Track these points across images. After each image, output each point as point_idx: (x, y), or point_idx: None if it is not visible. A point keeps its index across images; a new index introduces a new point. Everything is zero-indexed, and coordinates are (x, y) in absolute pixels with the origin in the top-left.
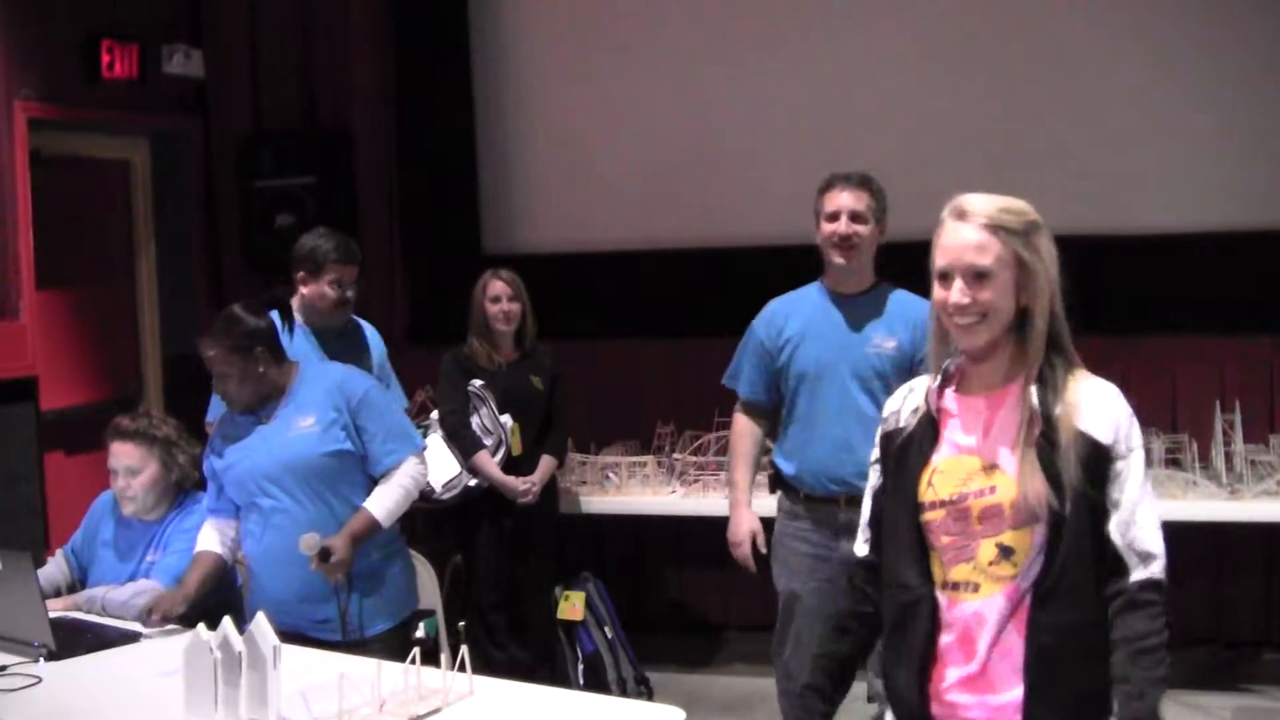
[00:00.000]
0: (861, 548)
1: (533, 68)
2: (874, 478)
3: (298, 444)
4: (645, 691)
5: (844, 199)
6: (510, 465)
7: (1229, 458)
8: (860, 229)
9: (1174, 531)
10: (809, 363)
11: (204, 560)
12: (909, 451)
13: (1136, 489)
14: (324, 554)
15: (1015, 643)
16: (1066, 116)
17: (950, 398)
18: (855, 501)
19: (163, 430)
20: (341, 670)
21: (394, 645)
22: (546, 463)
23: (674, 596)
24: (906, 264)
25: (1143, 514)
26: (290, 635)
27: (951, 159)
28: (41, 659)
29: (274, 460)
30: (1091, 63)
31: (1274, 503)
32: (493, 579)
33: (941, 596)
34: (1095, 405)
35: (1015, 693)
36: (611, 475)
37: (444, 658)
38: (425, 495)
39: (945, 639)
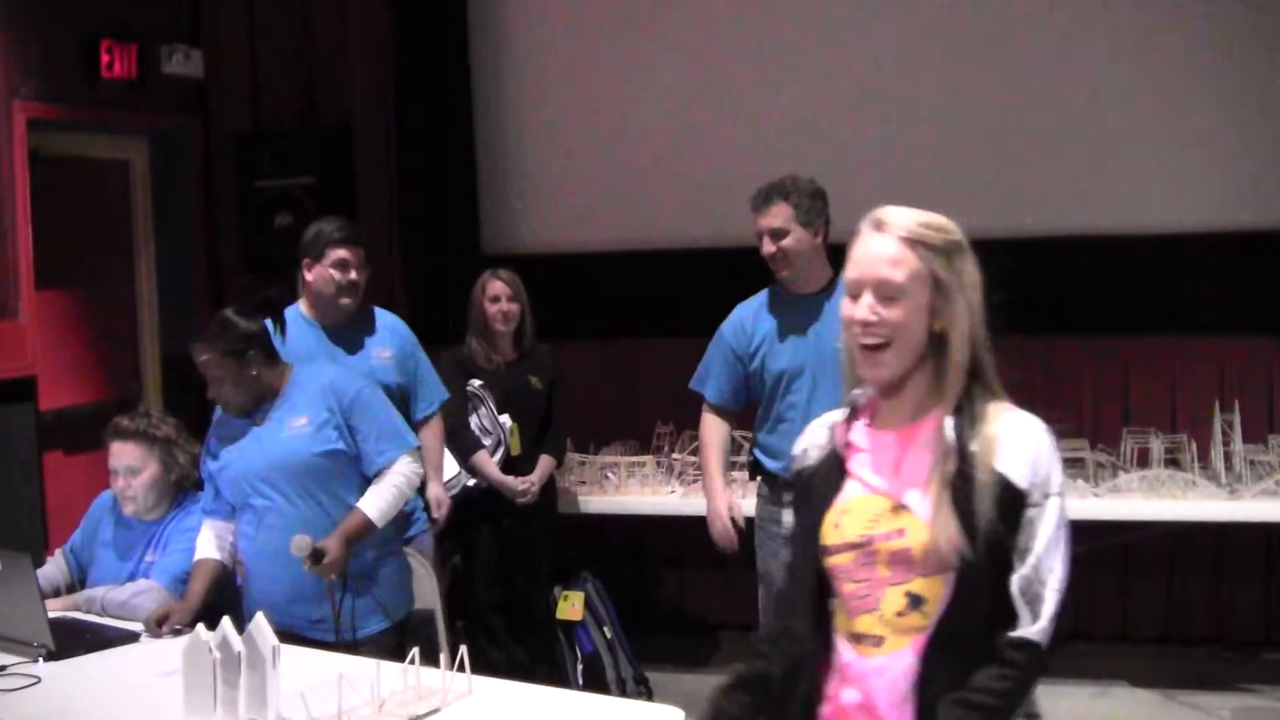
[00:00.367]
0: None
1: (533, 68)
2: (790, 520)
3: (290, 444)
4: (644, 691)
5: (762, 222)
6: (509, 465)
7: (1228, 458)
8: (785, 243)
9: (1174, 531)
10: (786, 361)
11: (205, 568)
12: (813, 490)
13: (1045, 541)
14: (316, 555)
15: None
16: (1066, 116)
17: (860, 431)
18: None
19: (163, 430)
20: (341, 670)
21: (389, 646)
22: (545, 463)
23: (673, 596)
24: None
25: (1047, 569)
26: (286, 635)
27: (949, 159)
28: (41, 659)
29: (267, 460)
30: (1091, 62)
31: (1273, 503)
32: (491, 579)
33: (845, 650)
34: (1016, 443)
35: None
36: (610, 475)
37: (443, 658)
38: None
39: (848, 697)
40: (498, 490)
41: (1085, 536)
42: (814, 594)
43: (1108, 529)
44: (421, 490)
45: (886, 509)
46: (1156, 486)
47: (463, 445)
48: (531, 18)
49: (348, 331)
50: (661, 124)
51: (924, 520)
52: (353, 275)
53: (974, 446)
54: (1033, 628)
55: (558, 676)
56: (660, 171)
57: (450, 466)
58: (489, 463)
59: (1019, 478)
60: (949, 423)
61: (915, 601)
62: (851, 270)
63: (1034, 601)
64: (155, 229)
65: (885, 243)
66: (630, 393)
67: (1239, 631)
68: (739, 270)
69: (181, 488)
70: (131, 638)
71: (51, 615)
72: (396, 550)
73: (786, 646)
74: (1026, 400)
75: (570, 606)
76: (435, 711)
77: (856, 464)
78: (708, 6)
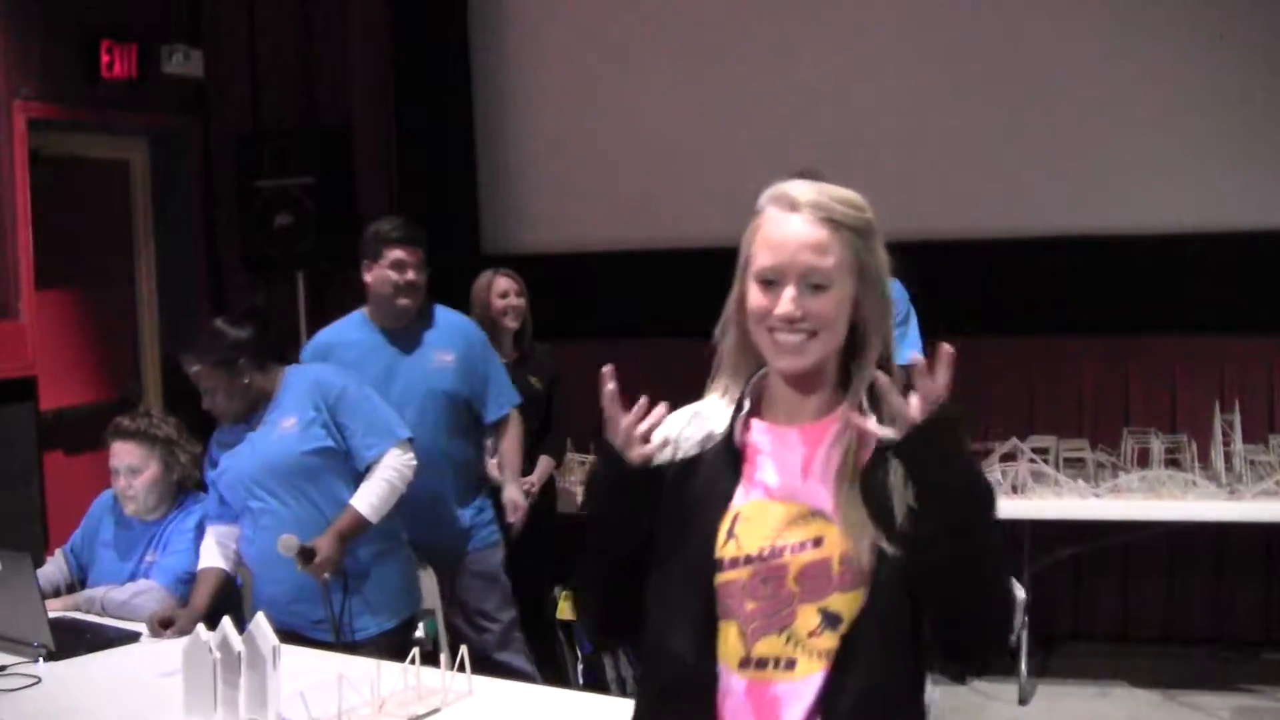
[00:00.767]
0: None
1: (533, 68)
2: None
3: (279, 445)
4: None
5: None
6: None
7: (1228, 458)
8: None
9: (1174, 531)
10: None
11: (209, 576)
12: (695, 493)
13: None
14: (306, 554)
15: None
16: (1066, 116)
17: (758, 428)
18: None
19: (164, 430)
20: (341, 670)
21: (390, 646)
22: (545, 463)
23: None
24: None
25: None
26: (288, 635)
27: (949, 160)
28: (41, 659)
29: (258, 463)
30: (1091, 63)
31: (1273, 503)
32: None
33: (738, 678)
34: None
35: None
36: None
37: (443, 658)
38: None
39: None
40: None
41: (1085, 536)
42: (700, 615)
43: (1108, 529)
44: (496, 496)
45: (796, 516)
46: (1156, 486)
47: None
48: (531, 17)
49: (407, 333)
50: (662, 124)
51: (841, 527)
52: (410, 276)
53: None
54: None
55: (558, 676)
56: (660, 171)
57: None
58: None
59: None
60: (871, 419)
61: (831, 620)
62: (766, 256)
63: None
64: (155, 229)
65: (805, 225)
66: (630, 393)
67: (1239, 631)
68: None
69: (182, 488)
70: (131, 638)
71: (51, 615)
72: (399, 549)
73: (663, 668)
74: (1026, 400)
75: (570, 606)
76: (435, 711)
77: (757, 465)
78: (708, 6)
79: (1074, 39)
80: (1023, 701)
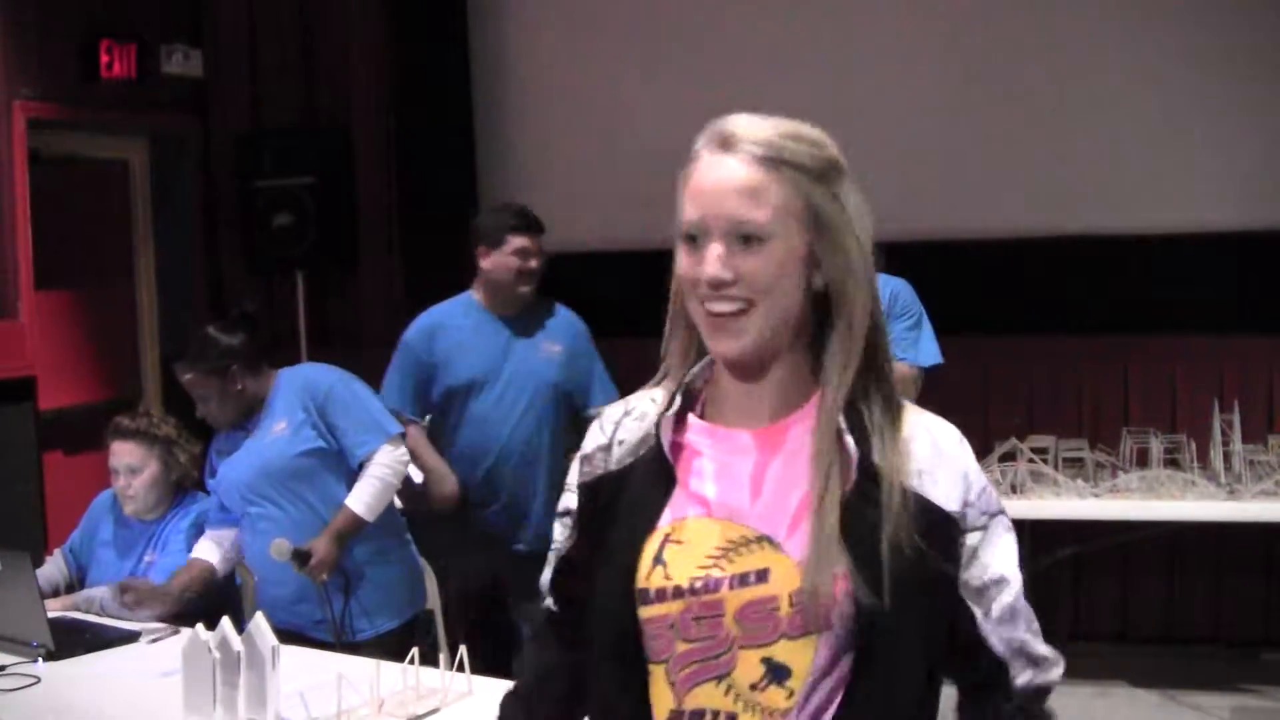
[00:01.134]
0: (549, 604)
1: (533, 67)
2: (560, 534)
3: (271, 449)
4: None
5: None
6: None
7: (1228, 458)
8: None
9: (1174, 531)
10: None
11: (193, 566)
12: (620, 507)
13: (1012, 565)
14: (301, 557)
15: None
16: (1066, 116)
17: (697, 428)
18: None
19: (163, 429)
20: (340, 670)
21: (392, 647)
22: None
23: None
24: (903, 264)
25: (1024, 602)
26: (290, 635)
27: (948, 161)
28: (40, 659)
29: (252, 468)
30: (1091, 62)
31: (1273, 503)
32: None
33: None
34: (935, 454)
35: None
36: None
37: (443, 658)
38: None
39: None
40: None
41: (1085, 536)
42: (626, 656)
43: (1108, 529)
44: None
45: (739, 540)
46: (1156, 486)
47: None
48: (531, 18)
49: (520, 320)
50: (662, 124)
51: (796, 559)
52: (533, 264)
53: (876, 458)
54: (1052, 671)
55: None
56: (660, 171)
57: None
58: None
59: (945, 499)
60: (841, 421)
61: (777, 673)
62: (691, 209)
63: (1028, 647)
64: (155, 229)
65: (736, 165)
66: (629, 392)
67: (1239, 631)
68: None
69: (182, 487)
70: (131, 638)
71: (51, 615)
72: (399, 549)
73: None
74: (1026, 400)
75: None
76: (435, 711)
77: (692, 473)
78: (709, 6)
79: (1073, 38)
80: None
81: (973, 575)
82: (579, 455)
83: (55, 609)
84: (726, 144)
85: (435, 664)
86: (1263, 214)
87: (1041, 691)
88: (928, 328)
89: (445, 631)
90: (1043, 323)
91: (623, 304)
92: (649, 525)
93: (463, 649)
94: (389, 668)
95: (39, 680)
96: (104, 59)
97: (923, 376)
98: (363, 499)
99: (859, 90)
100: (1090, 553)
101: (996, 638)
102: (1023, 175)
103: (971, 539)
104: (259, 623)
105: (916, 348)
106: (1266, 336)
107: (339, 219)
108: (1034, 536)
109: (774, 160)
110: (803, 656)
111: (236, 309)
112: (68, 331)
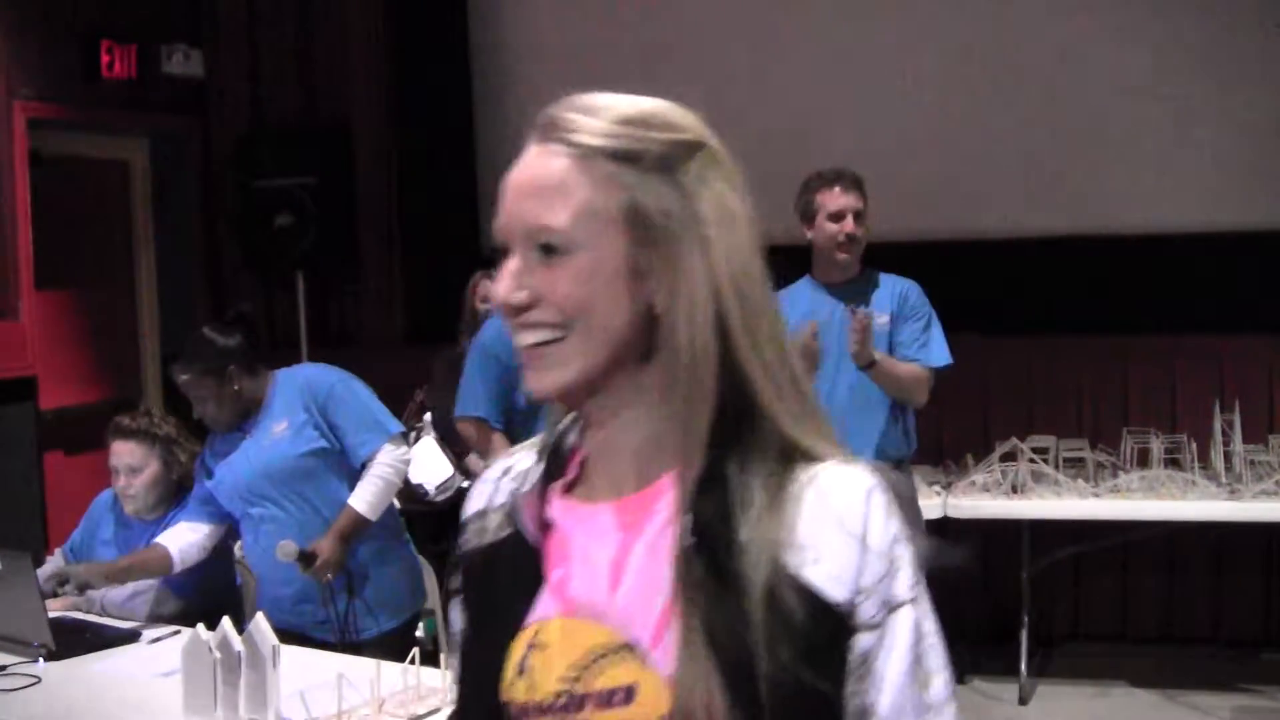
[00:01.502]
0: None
1: (533, 68)
2: (457, 619)
3: (273, 450)
4: None
5: (848, 200)
6: None
7: (1228, 458)
8: (861, 229)
9: (1174, 531)
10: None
11: (149, 549)
12: (489, 598)
13: (902, 677)
14: (308, 558)
15: None
16: (1066, 117)
17: (559, 506)
18: None
19: (164, 429)
20: (340, 670)
21: (394, 646)
22: None
23: None
24: (904, 264)
25: None
26: (292, 635)
27: (948, 162)
28: (41, 659)
29: (253, 470)
30: (1091, 62)
31: (1273, 503)
32: None
33: None
34: (821, 522)
35: None
36: None
37: (444, 658)
38: (420, 497)
39: None
40: None
41: (1085, 536)
42: None
43: (1107, 529)
44: None
45: (602, 649)
46: (1156, 486)
47: (457, 447)
48: (531, 17)
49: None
50: None
51: (664, 675)
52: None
53: (743, 534)
54: None
55: None
56: None
57: (445, 468)
58: (484, 464)
59: (830, 585)
60: (687, 490)
61: None
62: (498, 214)
63: None
64: (155, 229)
65: (543, 160)
66: None
67: (1239, 631)
68: None
69: (182, 487)
70: (131, 638)
71: (51, 615)
72: (400, 547)
73: None
74: (1026, 400)
75: None
76: (435, 711)
77: (556, 561)
78: (711, 6)
79: (1075, 40)
80: (1023, 701)
81: (866, 686)
82: (463, 519)
83: (55, 609)
84: (546, 131)
85: (436, 664)
86: (1263, 214)
87: None
88: (938, 329)
89: (445, 631)
90: (1043, 323)
91: None
92: (514, 625)
93: None
94: (389, 668)
95: (39, 680)
96: (104, 59)
97: (933, 377)
98: (365, 498)
99: (861, 93)
100: (1090, 553)
101: None
102: (1023, 175)
103: (865, 640)
104: (259, 623)
105: (926, 349)
106: (1266, 336)
107: (339, 219)
108: (1034, 536)
109: (590, 150)
110: None
111: (233, 310)
112: (68, 331)
